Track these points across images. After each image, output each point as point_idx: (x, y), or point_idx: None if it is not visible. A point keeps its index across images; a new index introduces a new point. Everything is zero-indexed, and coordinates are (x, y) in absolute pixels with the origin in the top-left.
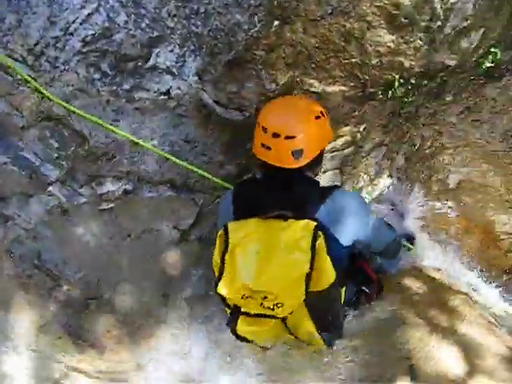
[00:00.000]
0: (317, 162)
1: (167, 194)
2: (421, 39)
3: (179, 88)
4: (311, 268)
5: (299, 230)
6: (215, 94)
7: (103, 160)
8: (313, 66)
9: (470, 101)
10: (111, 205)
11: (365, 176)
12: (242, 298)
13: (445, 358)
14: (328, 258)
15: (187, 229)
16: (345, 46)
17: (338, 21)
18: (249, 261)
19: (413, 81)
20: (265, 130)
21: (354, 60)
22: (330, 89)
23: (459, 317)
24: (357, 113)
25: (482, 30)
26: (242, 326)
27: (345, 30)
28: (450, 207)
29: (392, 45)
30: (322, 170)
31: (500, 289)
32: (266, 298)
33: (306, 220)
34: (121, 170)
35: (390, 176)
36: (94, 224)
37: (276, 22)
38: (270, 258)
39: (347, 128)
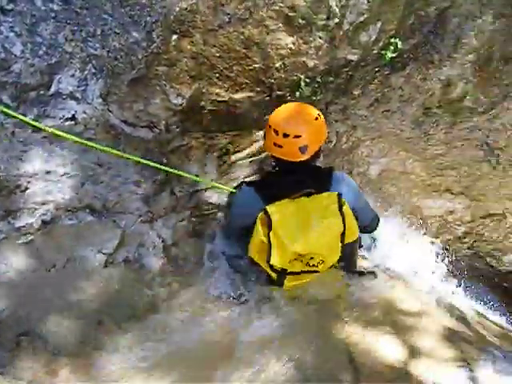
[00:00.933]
0: (317, 154)
1: (87, 219)
2: (320, 38)
3: (85, 112)
4: (344, 227)
5: (324, 200)
6: (122, 114)
7: (17, 193)
8: (217, 75)
9: (378, 92)
10: (31, 237)
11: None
12: (289, 262)
13: (384, 344)
14: (354, 218)
15: (112, 251)
16: (246, 53)
17: (237, 28)
18: (293, 233)
19: (319, 79)
20: (276, 132)
21: (257, 65)
22: (237, 96)
23: (394, 302)
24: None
25: (379, 23)
26: (289, 282)
27: (244, 37)
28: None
29: (293, 46)
30: (244, 176)
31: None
32: (312, 258)
33: (326, 192)
34: (36, 201)
35: None
36: (15, 259)
37: (174, 36)
38: (309, 226)
39: (260, 133)
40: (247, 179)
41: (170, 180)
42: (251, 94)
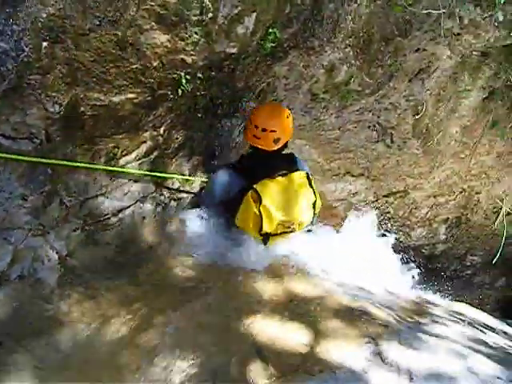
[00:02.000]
0: (286, 145)
1: None
2: (196, 33)
3: None
4: (315, 198)
5: (297, 178)
6: None
7: None
8: (94, 79)
9: (263, 83)
10: None
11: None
12: (275, 227)
13: (288, 331)
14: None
15: (5, 269)
16: (122, 55)
17: (109, 31)
18: (278, 205)
19: (200, 75)
20: (256, 127)
21: (134, 66)
22: (117, 99)
23: (294, 287)
24: (152, 117)
25: (254, 15)
26: (272, 241)
27: (118, 39)
28: None
29: (169, 44)
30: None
31: None
32: (293, 223)
33: (297, 171)
34: None
35: (207, 171)
36: None
37: (45, 44)
38: (291, 199)
39: (147, 134)
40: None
41: (57, 190)
42: (132, 96)
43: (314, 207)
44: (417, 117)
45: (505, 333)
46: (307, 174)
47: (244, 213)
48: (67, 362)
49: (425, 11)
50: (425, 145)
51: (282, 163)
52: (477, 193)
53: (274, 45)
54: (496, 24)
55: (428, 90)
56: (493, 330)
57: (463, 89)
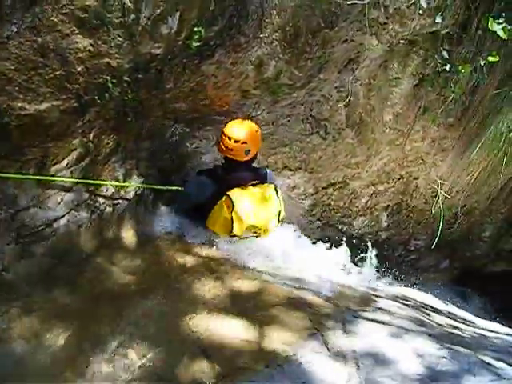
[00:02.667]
0: (255, 157)
1: None
2: (119, 36)
3: None
4: (280, 209)
5: (266, 189)
6: None
7: None
8: (17, 88)
9: (192, 82)
10: None
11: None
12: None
13: (232, 328)
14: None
15: None
16: (44, 61)
17: (28, 37)
18: (247, 211)
19: (126, 78)
20: (230, 138)
21: (57, 73)
22: (42, 107)
23: (236, 284)
24: (80, 123)
25: (178, 14)
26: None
27: (38, 45)
28: None
29: (92, 48)
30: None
31: None
32: (260, 229)
33: (267, 184)
34: None
35: (141, 175)
36: None
37: None
38: (260, 207)
39: (76, 141)
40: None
41: None
42: (58, 103)
43: (278, 217)
44: (349, 107)
45: (450, 313)
46: (275, 186)
47: (216, 216)
48: (5, 380)
49: (350, 2)
50: (359, 134)
51: (254, 174)
52: (415, 178)
53: (200, 43)
54: (420, 12)
55: (358, 79)
56: (438, 311)
57: (393, 77)
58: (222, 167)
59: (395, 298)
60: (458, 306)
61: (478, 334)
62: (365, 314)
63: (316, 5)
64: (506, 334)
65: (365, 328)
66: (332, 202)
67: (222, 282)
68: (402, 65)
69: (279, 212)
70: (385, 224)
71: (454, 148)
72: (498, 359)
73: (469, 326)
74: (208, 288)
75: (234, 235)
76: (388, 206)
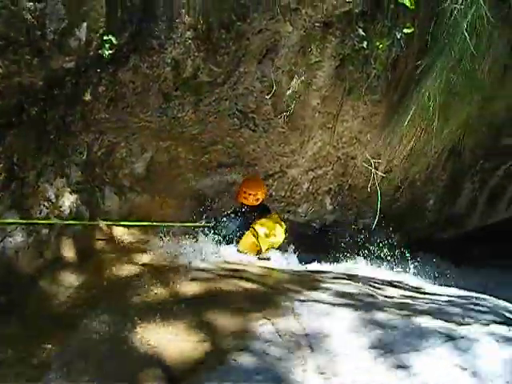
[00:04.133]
0: (263, 201)
1: None
2: (27, 54)
3: None
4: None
5: (274, 217)
6: None
7: None
8: None
9: (110, 91)
10: None
11: (45, 203)
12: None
13: (182, 331)
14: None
15: None
16: None
17: None
18: (268, 235)
19: (42, 96)
20: (245, 192)
21: None
22: None
23: (178, 287)
24: (1, 148)
25: (85, 25)
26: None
27: None
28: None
29: (0, 70)
30: None
31: None
32: (275, 244)
33: (272, 213)
34: None
35: (74, 192)
36: None
37: None
38: (274, 230)
39: None
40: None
41: None
42: None
43: (285, 233)
44: (274, 96)
45: (403, 284)
46: (277, 213)
47: (246, 242)
48: None
49: None
50: (289, 122)
51: (263, 211)
52: (352, 158)
53: (112, 51)
54: None
55: (279, 68)
56: (391, 284)
57: (314, 61)
58: (240, 210)
59: (345, 277)
60: (412, 275)
61: (429, 300)
62: (313, 297)
63: None
64: (458, 297)
65: (315, 310)
66: (273, 193)
67: (168, 286)
68: (320, 48)
69: (285, 229)
70: (330, 207)
71: (385, 123)
72: (450, 321)
73: (421, 293)
74: (155, 294)
75: (261, 252)
76: (330, 189)
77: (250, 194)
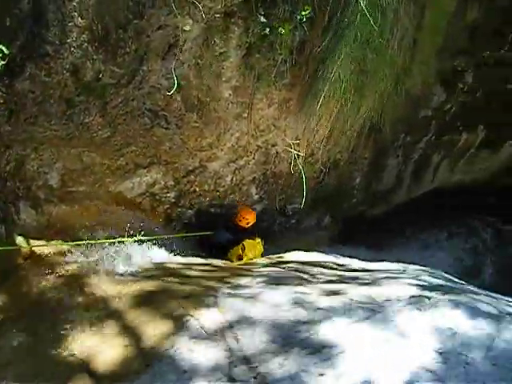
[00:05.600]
0: (253, 225)
1: None
2: None
3: None
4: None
5: (257, 240)
6: None
7: None
8: None
9: (11, 103)
10: None
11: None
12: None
13: (111, 338)
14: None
15: None
16: None
17: None
18: (251, 251)
19: None
20: (242, 216)
21: None
22: None
23: (100, 294)
24: None
25: None
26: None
27: None
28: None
29: None
30: None
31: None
32: (253, 258)
33: (257, 238)
34: None
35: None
36: None
37: None
38: (254, 249)
39: None
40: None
41: None
42: None
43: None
44: (183, 92)
45: (338, 264)
46: (260, 238)
47: (234, 253)
48: None
49: None
50: (203, 116)
51: (251, 233)
52: (273, 145)
53: (5, 62)
54: None
55: (184, 62)
56: (322, 265)
57: (219, 52)
58: (234, 227)
59: (277, 264)
60: (344, 256)
61: (356, 276)
62: (236, 288)
63: None
64: (384, 271)
65: (238, 301)
66: (197, 188)
67: (93, 294)
68: (224, 39)
69: (262, 251)
70: (256, 197)
71: (300, 107)
72: (376, 295)
73: (349, 270)
74: (79, 303)
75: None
76: (254, 178)
77: (244, 218)
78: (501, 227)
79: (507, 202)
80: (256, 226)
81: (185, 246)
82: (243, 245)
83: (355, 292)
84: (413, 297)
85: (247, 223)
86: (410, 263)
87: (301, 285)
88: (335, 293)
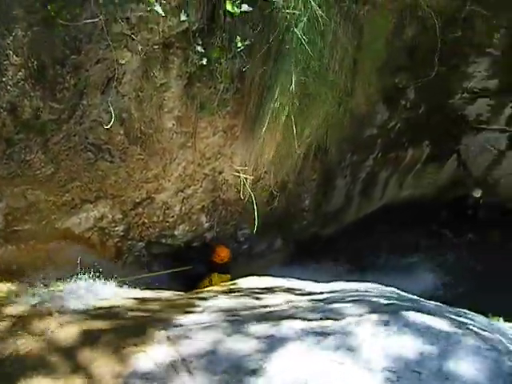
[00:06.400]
0: (227, 261)
1: None
2: None
3: None
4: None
5: (227, 277)
6: None
7: None
8: None
9: None
10: None
11: None
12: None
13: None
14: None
15: None
16: None
17: None
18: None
19: None
20: (217, 254)
21: None
22: None
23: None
24: None
25: None
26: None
27: None
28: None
29: None
30: None
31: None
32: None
33: (228, 275)
34: None
35: None
36: None
37: None
38: (219, 281)
39: None
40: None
41: None
42: None
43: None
44: (125, 125)
45: (290, 288)
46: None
47: (203, 285)
48: None
49: (89, 21)
50: (146, 148)
51: (227, 268)
52: (220, 172)
53: None
54: (163, 14)
55: (125, 95)
56: (274, 291)
57: (160, 83)
58: (209, 263)
59: (226, 292)
60: (297, 278)
61: (307, 300)
62: (190, 318)
63: (54, 34)
64: (338, 291)
65: (190, 332)
66: (146, 220)
67: (41, 335)
68: (164, 69)
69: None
70: (207, 225)
71: (245, 133)
72: (326, 318)
73: (301, 294)
74: (27, 346)
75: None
76: (203, 206)
77: (219, 256)
78: (453, 239)
79: (457, 215)
80: (231, 263)
81: (137, 280)
82: (211, 278)
83: (306, 316)
84: (364, 316)
85: (221, 260)
86: (363, 281)
87: (253, 314)
88: (286, 318)
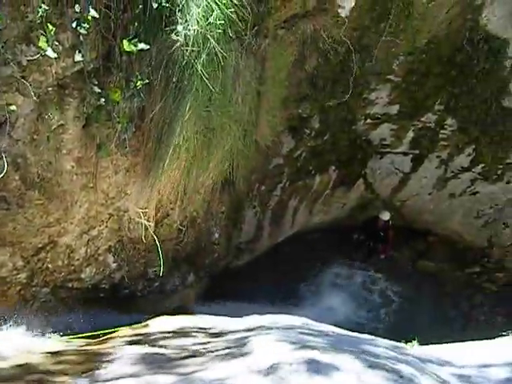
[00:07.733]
0: None
1: None
2: None
3: None
4: None
5: None
6: None
7: None
8: None
9: None
10: None
11: None
12: None
13: None
14: None
15: None
16: None
17: None
18: None
19: None
20: None
21: None
22: None
23: None
24: None
25: None
26: None
27: None
28: None
29: None
30: None
31: None
32: None
33: None
34: None
35: None
36: None
37: None
38: None
39: None
40: None
41: None
42: None
43: None
44: (20, 170)
45: (201, 328)
46: None
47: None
48: None
49: None
50: (45, 192)
51: None
52: (125, 211)
53: None
54: (56, 57)
55: (19, 140)
56: (185, 334)
57: (56, 125)
58: None
59: (135, 342)
60: (211, 314)
61: (221, 341)
62: (96, 379)
63: None
64: (257, 328)
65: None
66: (50, 265)
67: None
68: (60, 111)
69: None
70: (114, 265)
71: (146, 170)
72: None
73: (215, 336)
74: None
75: None
76: (110, 246)
77: None
78: (362, 263)
79: (368, 237)
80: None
81: (46, 324)
82: None
83: (213, 366)
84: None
85: None
86: (279, 313)
87: (160, 367)
88: (194, 370)
